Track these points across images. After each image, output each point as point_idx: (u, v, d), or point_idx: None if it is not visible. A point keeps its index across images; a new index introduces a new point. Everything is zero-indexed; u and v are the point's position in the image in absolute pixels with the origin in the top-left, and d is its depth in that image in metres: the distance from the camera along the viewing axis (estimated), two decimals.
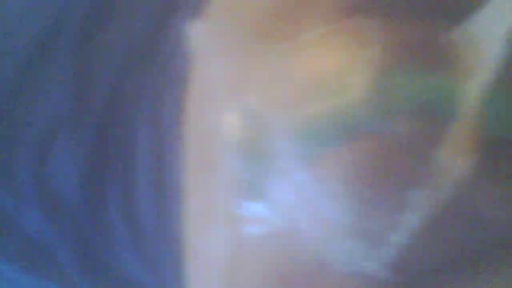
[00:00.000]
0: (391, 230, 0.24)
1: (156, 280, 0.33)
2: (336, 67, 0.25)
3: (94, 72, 0.34)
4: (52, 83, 0.35)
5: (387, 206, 0.24)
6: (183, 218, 0.30)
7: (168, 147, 0.31)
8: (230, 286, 0.28)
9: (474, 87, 0.24)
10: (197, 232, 0.30)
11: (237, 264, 0.28)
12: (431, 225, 0.24)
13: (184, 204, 0.30)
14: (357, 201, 0.24)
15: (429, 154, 0.24)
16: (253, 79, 0.27)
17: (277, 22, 0.27)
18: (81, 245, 0.36)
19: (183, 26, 0.30)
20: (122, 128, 0.33)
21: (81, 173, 0.34)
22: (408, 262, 0.25)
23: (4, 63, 0.36)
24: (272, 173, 0.26)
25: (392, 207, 0.24)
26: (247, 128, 0.26)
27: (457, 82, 0.24)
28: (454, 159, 0.24)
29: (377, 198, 0.24)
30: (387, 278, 0.25)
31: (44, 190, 0.35)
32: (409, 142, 0.24)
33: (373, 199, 0.24)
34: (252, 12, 0.28)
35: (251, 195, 0.27)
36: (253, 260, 0.27)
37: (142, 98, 0.32)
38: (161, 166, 0.31)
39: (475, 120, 0.24)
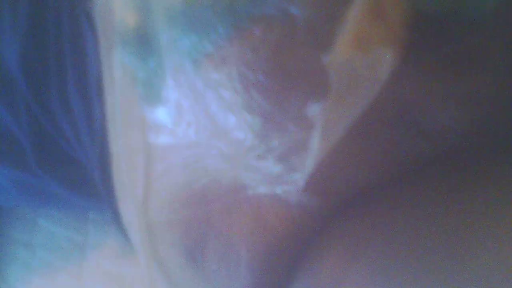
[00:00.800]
0: (297, 150, 0.20)
1: (90, 166, 0.32)
2: None
3: None
4: None
5: (287, 121, 0.20)
6: (105, 117, 0.27)
7: (87, 38, 0.27)
8: (148, 201, 0.25)
9: None
10: (117, 133, 0.27)
11: (151, 176, 0.25)
12: (350, 140, 0.20)
13: (105, 103, 0.27)
14: (256, 115, 0.20)
15: (332, 44, 0.18)
16: None
17: None
18: (34, 127, 0.34)
19: None
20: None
21: (22, 51, 0.31)
22: (328, 184, 0.21)
23: None
24: (165, 72, 0.21)
25: (292, 123, 0.20)
26: (134, 13, 0.21)
27: None
28: (370, 52, 0.18)
29: (275, 109, 0.20)
30: (306, 202, 0.22)
31: None
32: (310, 28, 0.18)
33: (271, 112, 0.20)
34: None
35: (150, 97, 0.23)
36: (166, 172, 0.24)
37: None
38: (83, 60, 0.28)
39: None
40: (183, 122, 0.22)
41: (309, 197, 0.21)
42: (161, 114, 0.23)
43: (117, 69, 0.24)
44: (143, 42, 0.21)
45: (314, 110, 0.19)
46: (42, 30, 0.30)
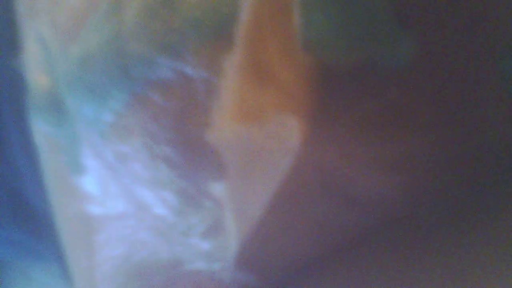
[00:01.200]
0: (218, 228, 0.18)
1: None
2: None
3: None
4: None
5: (201, 197, 0.17)
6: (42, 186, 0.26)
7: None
8: (93, 273, 0.23)
9: None
10: (55, 202, 0.25)
11: (93, 248, 0.23)
12: (276, 214, 0.17)
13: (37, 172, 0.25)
14: (169, 190, 0.18)
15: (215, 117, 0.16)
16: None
17: None
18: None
19: None
20: None
21: None
22: (261, 261, 0.19)
23: None
24: (80, 140, 0.19)
25: (207, 199, 0.17)
26: (45, 76, 0.19)
27: None
28: (265, 121, 0.15)
29: (187, 184, 0.17)
30: (243, 280, 0.20)
31: None
32: (209, 93, 0.16)
33: (184, 187, 0.18)
34: None
35: (73, 165, 0.21)
36: (105, 244, 0.22)
37: None
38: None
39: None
40: (109, 192, 0.20)
41: (245, 275, 0.19)
42: (88, 183, 0.21)
43: (38, 136, 0.22)
44: (55, 108, 0.20)
45: (219, 187, 0.16)
46: None
